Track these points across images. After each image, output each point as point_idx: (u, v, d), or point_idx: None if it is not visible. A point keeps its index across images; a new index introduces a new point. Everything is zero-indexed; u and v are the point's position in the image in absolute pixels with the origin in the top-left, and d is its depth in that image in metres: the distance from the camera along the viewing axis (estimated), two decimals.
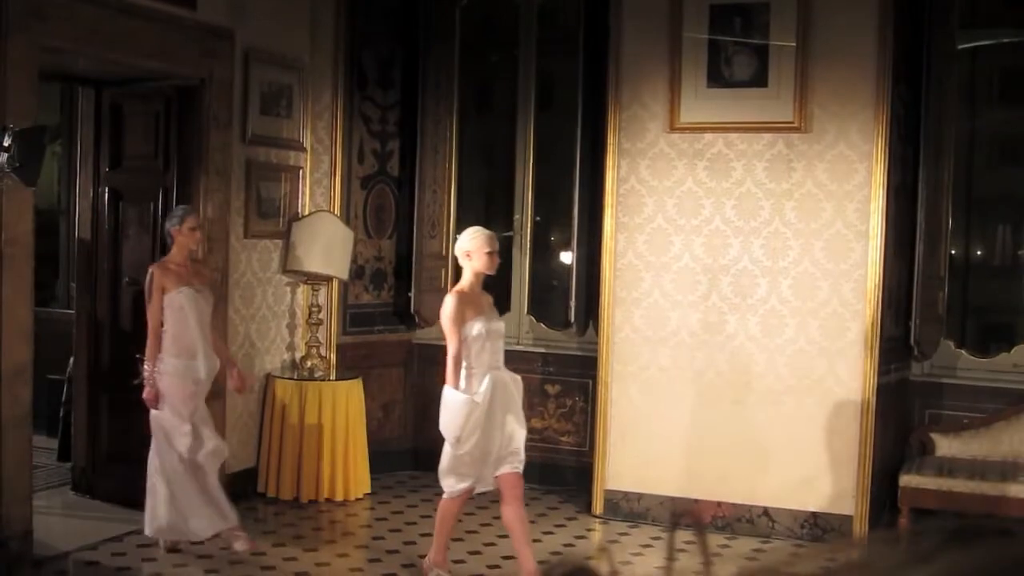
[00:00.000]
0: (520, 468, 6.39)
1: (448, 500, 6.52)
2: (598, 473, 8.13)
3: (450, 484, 6.45)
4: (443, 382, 6.46)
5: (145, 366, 6.80)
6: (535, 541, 7.50)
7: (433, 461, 9.23)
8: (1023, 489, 7.30)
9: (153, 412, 6.80)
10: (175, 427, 6.79)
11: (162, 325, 6.80)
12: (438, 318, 9.32)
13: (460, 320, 6.24)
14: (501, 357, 6.41)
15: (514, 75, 9.24)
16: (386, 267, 9.31)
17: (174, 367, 6.79)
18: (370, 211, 9.14)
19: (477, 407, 6.23)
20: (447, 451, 6.43)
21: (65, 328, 8.61)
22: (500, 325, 6.46)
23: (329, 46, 8.69)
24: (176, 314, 6.78)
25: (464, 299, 6.30)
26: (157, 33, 7.23)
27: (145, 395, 6.77)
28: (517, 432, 6.37)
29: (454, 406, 6.31)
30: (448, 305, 6.30)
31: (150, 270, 6.85)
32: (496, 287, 9.55)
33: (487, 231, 6.44)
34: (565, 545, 7.49)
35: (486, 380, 6.25)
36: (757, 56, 7.64)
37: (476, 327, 6.26)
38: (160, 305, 6.79)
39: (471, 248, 6.34)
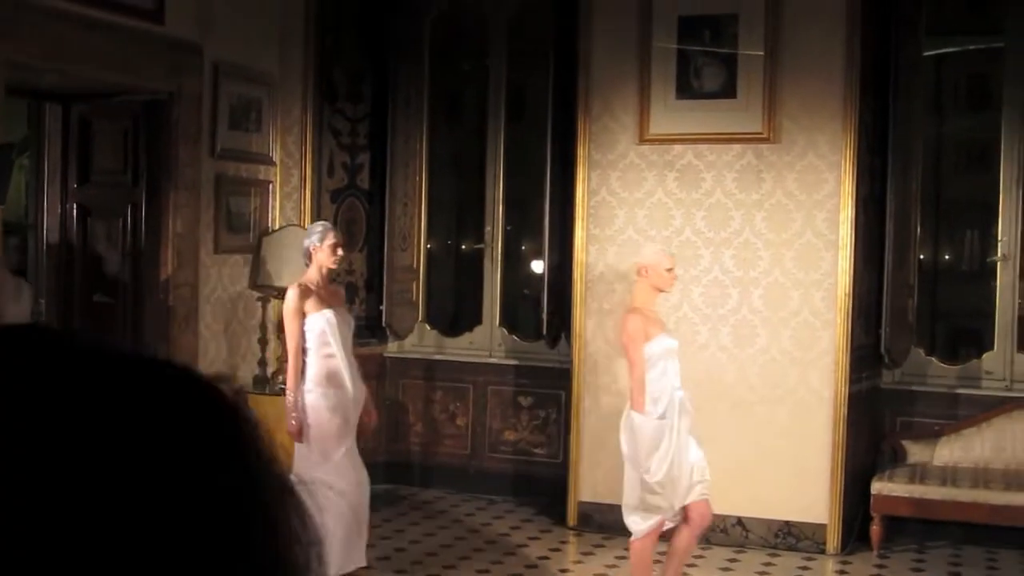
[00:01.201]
0: (708, 495, 6.07)
1: (639, 541, 6.06)
2: (572, 485, 8.12)
3: (636, 521, 6.02)
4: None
5: (288, 396, 6.28)
6: (508, 554, 7.50)
7: (408, 474, 9.26)
8: (994, 495, 7.35)
9: (297, 445, 6.27)
10: (317, 465, 6.18)
11: (304, 351, 6.28)
12: (410, 331, 9.36)
13: (644, 339, 5.89)
14: (679, 376, 6.02)
15: (484, 87, 9.25)
16: (357, 280, 9.28)
17: (320, 397, 6.26)
18: (340, 225, 9.10)
19: (668, 431, 5.86)
20: (632, 484, 6.00)
21: None
22: (676, 342, 6.13)
23: (298, 59, 8.67)
24: (318, 339, 6.25)
25: (646, 318, 5.97)
26: (124, 48, 7.19)
27: (289, 427, 6.21)
28: (701, 456, 6.03)
29: (644, 432, 5.88)
30: (632, 325, 5.92)
31: (290, 291, 6.33)
32: (467, 299, 9.57)
33: (664, 248, 6.15)
34: (540, 558, 7.48)
35: (671, 401, 5.88)
36: (726, 67, 7.67)
37: (660, 346, 5.93)
38: (300, 329, 6.23)
39: (650, 264, 6.02)
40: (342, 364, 6.28)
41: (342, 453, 6.29)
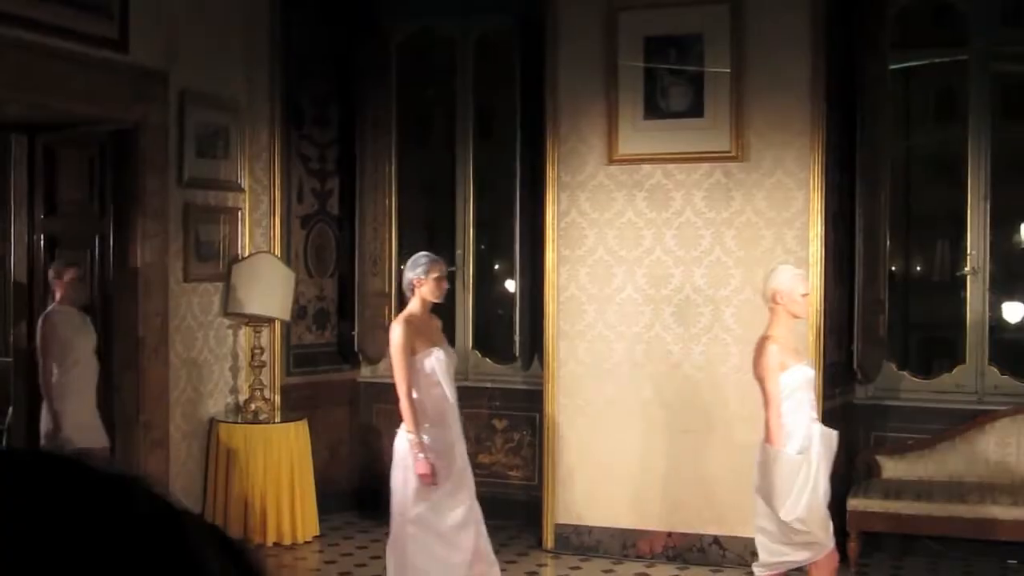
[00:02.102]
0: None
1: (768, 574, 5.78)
2: (548, 507, 8.09)
3: (766, 559, 5.77)
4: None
5: (410, 437, 5.96)
6: None
7: (380, 500, 9.19)
8: (969, 508, 7.36)
9: (396, 487, 6.10)
10: (414, 505, 6.01)
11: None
12: (384, 355, 9.31)
13: (780, 370, 5.61)
14: (815, 408, 5.79)
15: (452, 110, 9.24)
16: (329, 306, 9.25)
17: (429, 439, 6.00)
18: (311, 250, 9.08)
19: (804, 467, 5.58)
20: (768, 518, 5.72)
21: (2, 376, 8.47)
22: (812, 372, 5.85)
23: (265, 86, 8.64)
24: (427, 378, 6.01)
25: (782, 347, 5.69)
26: (89, 77, 7.15)
27: (419, 470, 5.91)
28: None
29: (780, 468, 5.59)
30: (770, 356, 5.62)
31: (395, 327, 6.09)
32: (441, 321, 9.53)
33: (798, 272, 5.88)
34: None
35: (808, 434, 5.62)
36: (693, 87, 7.69)
37: (796, 376, 5.65)
38: (409, 367, 5.98)
39: (784, 291, 5.68)
40: (450, 403, 6.07)
41: (444, 493, 6.04)
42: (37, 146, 7.96)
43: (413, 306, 6.11)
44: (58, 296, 7.20)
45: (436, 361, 6.00)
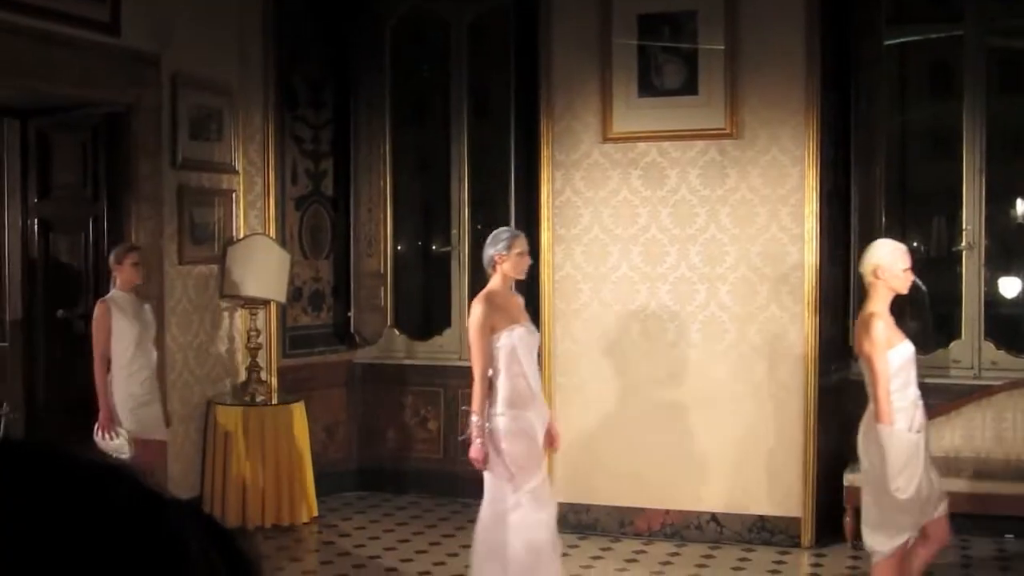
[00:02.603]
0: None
1: (885, 561, 5.58)
2: None
3: (881, 542, 5.57)
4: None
5: (473, 419, 5.75)
6: None
7: (380, 479, 9.22)
8: (965, 484, 7.37)
9: (487, 475, 5.85)
10: (508, 494, 5.79)
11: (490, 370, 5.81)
12: (379, 336, 9.32)
13: (888, 347, 5.45)
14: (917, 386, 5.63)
15: (446, 90, 9.22)
16: (324, 288, 9.24)
17: (511, 420, 5.77)
18: (306, 232, 9.07)
19: (917, 443, 5.48)
20: (875, 502, 5.60)
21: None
22: (913, 348, 5.64)
23: (258, 67, 8.61)
24: (508, 357, 5.77)
25: (889, 323, 5.52)
26: (81, 61, 7.13)
27: (473, 453, 5.76)
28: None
29: (894, 447, 5.45)
30: (878, 331, 5.43)
31: (475, 305, 5.86)
32: (436, 303, 9.54)
33: (899, 245, 5.69)
34: None
35: (917, 413, 5.50)
36: (687, 64, 7.67)
37: (902, 354, 5.51)
38: (489, 347, 5.76)
39: (885, 265, 5.52)
40: (532, 384, 5.85)
41: (538, 481, 5.86)
42: (30, 130, 7.95)
43: (494, 283, 5.88)
44: (118, 282, 6.90)
45: (517, 339, 5.78)
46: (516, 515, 5.79)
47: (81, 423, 6.87)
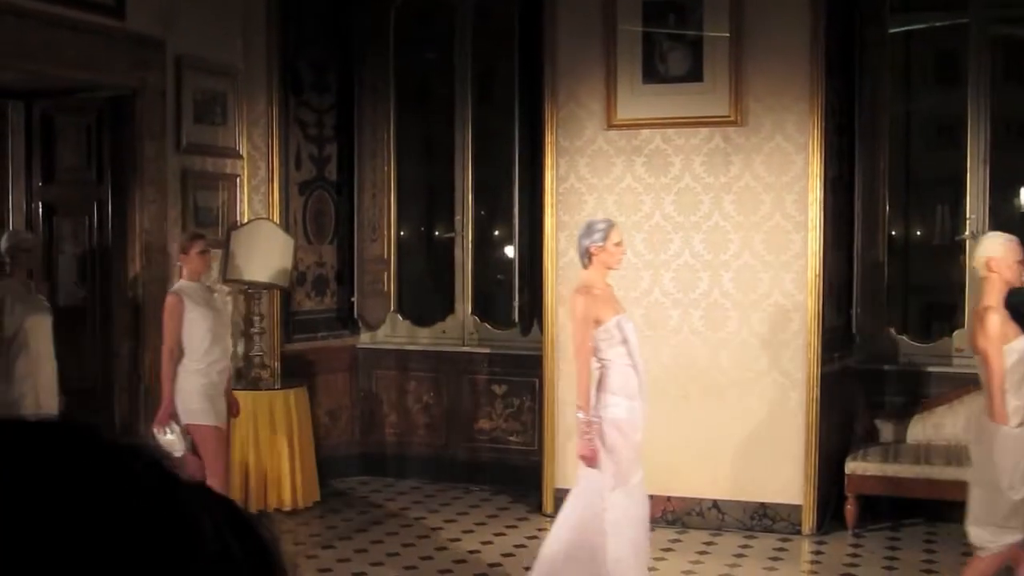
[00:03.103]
0: None
1: (991, 557, 5.43)
2: (547, 472, 8.12)
3: (987, 539, 5.39)
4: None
5: (579, 415, 5.64)
6: (485, 543, 7.50)
7: (382, 465, 9.24)
8: (967, 472, 7.37)
9: (587, 470, 5.70)
10: (601, 496, 5.64)
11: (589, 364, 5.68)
12: (382, 321, 9.33)
13: (1003, 341, 5.27)
14: None
15: (451, 74, 9.21)
16: (328, 273, 9.25)
17: (624, 412, 5.63)
18: (309, 217, 9.07)
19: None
20: (986, 498, 5.39)
21: None
22: None
23: (262, 51, 8.60)
24: (619, 347, 5.64)
25: (1005, 317, 5.36)
26: (86, 44, 7.13)
27: (581, 450, 5.62)
28: None
29: (1006, 446, 5.28)
30: (992, 325, 5.27)
31: (578, 297, 5.69)
32: (439, 288, 9.55)
33: (1012, 237, 5.47)
34: (517, 546, 7.47)
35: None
36: (692, 51, 7.66)
37: (1020, 348, 5.33)
38: (592, 340, 5.62)
39: (998, 257, 5.37)
40: (639, 375, 5.69)
41: (640, 477, 5.73)
42: (34, 113, 7.94)
43: (592, 275, 5.72)
44: (184, 272, 6.84)
45: (629, 331, 5.66)
46: (613, 514, 5.63)
47: (81, 408, 6.87)
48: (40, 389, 6.71)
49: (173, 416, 6.64)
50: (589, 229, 5.75)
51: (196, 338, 6.73)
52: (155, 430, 6.63)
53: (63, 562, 0.65)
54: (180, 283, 6.87)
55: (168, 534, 0.68)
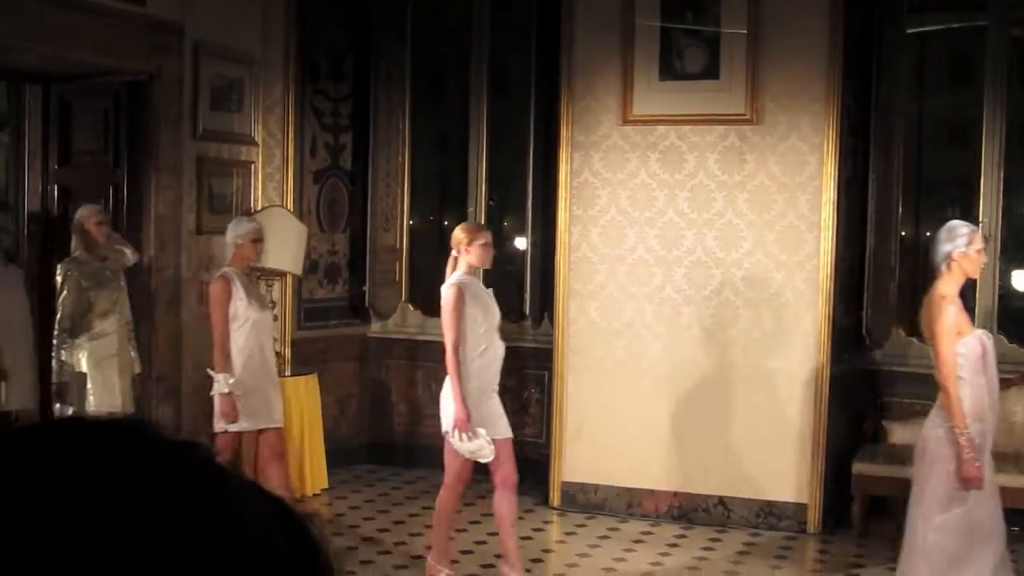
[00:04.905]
0: None
1: None
2: (555, 465, 8.15)
3: None
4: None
5: (961, 433, 5.18)
6: (492, 534, 7.52)
7: (391, 454, 9.26)
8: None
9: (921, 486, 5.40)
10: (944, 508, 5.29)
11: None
12: (393, 311, 9.35)
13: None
14: None
15: (467, 65, 9.21)
16: (340, 261, 9.28)
17: (975, 435, 5.21)
18: (323, 205, 9.10)
19: None
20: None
21: None
22: None
23: (280, 39, 8.62)
24: (973, 366, 5.22)
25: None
26: (105, 28, 7.15)
27: (967, 473, 5.17)
28: None
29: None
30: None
31: (944, 306, 5.25)
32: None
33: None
34: (523, 538, 7.49)
35: None
36: (708, 49, 7.66)
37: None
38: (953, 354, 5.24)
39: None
40: (992, 394, 5.28)
41: (976, 495, 5.28)
42: (52, 97, 7.98)
43: (950, 283, 5.27)
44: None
45: (989, 347, 5.24)
46: (944, 536, 5.33)
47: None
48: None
49: (469, 419, 6.20)
50: (951, 233, 5.27)
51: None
52: (459, 436, 6.30)
53: (108, 555, 0.67)
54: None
55: (211, 529, 0.70)
